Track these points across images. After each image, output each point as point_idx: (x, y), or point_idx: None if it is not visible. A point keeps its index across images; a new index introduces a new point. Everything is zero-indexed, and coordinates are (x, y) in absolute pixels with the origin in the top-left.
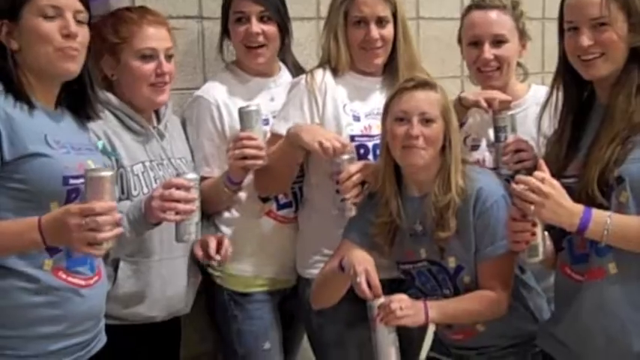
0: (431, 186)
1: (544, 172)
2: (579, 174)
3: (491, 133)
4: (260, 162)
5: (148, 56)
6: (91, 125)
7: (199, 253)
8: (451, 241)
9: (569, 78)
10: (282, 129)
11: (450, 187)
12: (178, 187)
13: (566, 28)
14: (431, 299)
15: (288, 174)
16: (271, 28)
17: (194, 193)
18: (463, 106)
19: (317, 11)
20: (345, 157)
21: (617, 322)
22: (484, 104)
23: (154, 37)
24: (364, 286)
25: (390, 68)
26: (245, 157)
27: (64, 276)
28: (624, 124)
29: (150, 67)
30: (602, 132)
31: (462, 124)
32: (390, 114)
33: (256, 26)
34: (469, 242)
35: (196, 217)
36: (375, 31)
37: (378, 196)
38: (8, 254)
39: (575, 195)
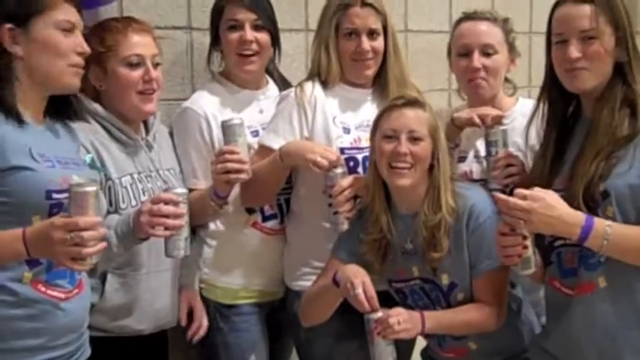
0: (420, 205)
1: (521, 190)
2: (565, 188)
3: (478, 144)
4: (243, 176)
5: (135, 63)
6: (80, 137)
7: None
8: (444, 259)
9: (555, 92)
10: (272, 142)
11: (440, 207)
12: (167, 202)
13: (555, 40)
14: None
15: (274, 186)
16: (264, 37)
17: (183, 208)
18: (456, 126)
19: (306, 23)
20: (338, 170)
21: (607, 336)
22: (477, 121)
23: (139, 44)
24: (362, 297)
25: (379, 80)
26: (228, 172)
27: (43, 289)
28: (608, 138)
29: (137, 73)
30: (586, 146)
31: (456, 145)
32: (378, 131)
33: (250, 34)
34: (463, 259)
35: (185, 232)
36: (366, 43)
37: (367, 212)
38: None
39: None
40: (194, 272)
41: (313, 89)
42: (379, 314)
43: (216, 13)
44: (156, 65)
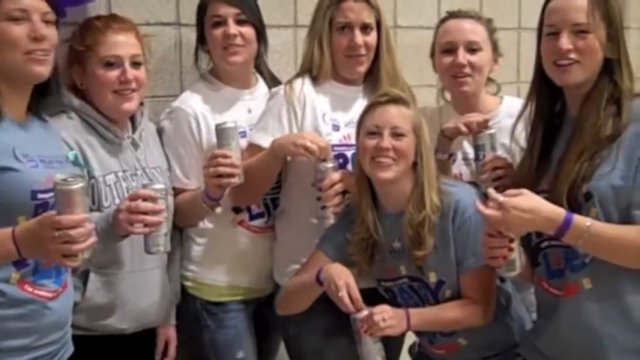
0: (406, 203)
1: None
2: (550, 188)
3: (466, 146)
4: (235, 180)
5: (112, 64)
6: (63, 134)
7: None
8: (430, 256)
9: (543, 87)
10: (262, 140)
11: (424, 205)
12: (145, 199)
13: (546, 32)
14: None
15: (266, 184)
16: (249, 30)
17: (161, 204)
18: (446, 137)
19: (294, 19)
20: (329, 165)
21: (594, 336)
22: (464, 129)
23: (118, 44)
24: (346, 300)
25: (371, 77)
26: (220, 175)
27: (30, 289)
28: (592, 137)
29: (113, 74)
30: (571, 145)
31: (450, 155)
32: (362, 128)
33: (234, 28)
34: (450, 256)
35: (165, 227)
36: (359, 37)
37: (354, 212)
38: None
39: None
40: (174, 304)
41: (302, 86)
42: (364, 312)
43: (201, 11)
44: (136, 64)
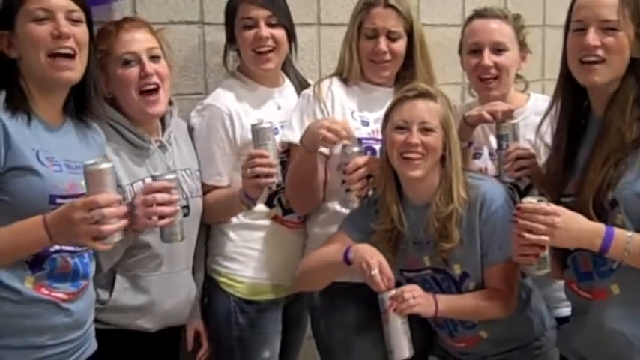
0: (432, 196)
1: (541, 204)
2: (576, 193)
3: (492, 141)
4: (272, 180)
5: (130, 61)
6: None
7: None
8: (456, 249)
9: (568, 86)
10: (299, 138)
11: (452, 198)
12: (159, 191)
13: (573, 28)
14: None
15: (313, 183)
16: (280, 32)
17: (175, 194)
18: (468, 124)
19: (317, 17)
20: (355, 149)
21: (622, 338)
22: (488, 117)
23: (131, 41)
24: (379, 278)
25: (405, 81)
26: (258, 176)
27: (46, 291)
28: (617, 143)
29: (133, 70)
30: (596, 149)
31: (470, 144)
32: (390, 122)
33: (265, 30)
34: (475, 249)
35: (180, 216)
36: (383, 44)
37: (379, 203)
38: (16, 255)
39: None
40: (198, 303)
41: (330, 85)
42: (394, 291)
43: (231, 12)
44: (155, 58)
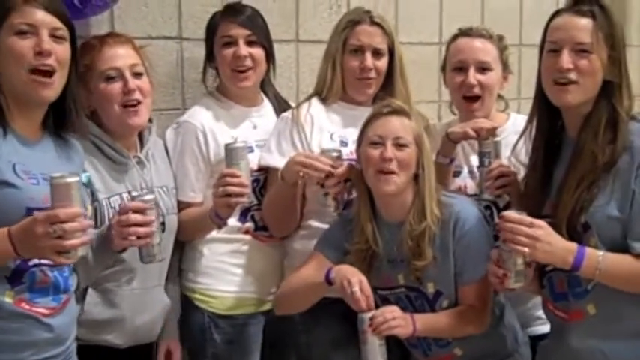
0: (406, 215)
1: (525, 216)
2: (552, 215)
3: (472, 160)
4: (244, 199)
5: (113, 77)
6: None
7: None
8: (429, 267)
9: (543, 105)
10: (278, 163)
11: (425, 216)
12: (135, 211)
13: (548, 49)
14: None
15: (291, 213)
16: (258, 52)
17: (151, 215)
18: (452, 140)
19: (296, 34)
20: (334, 154)
21: (601, 354)
22: (472, 134)
23: (115, 56)
24: (359, 295)
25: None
26: (229, 195)
27: (27, 306)
28: (590, 165)
29: (116, 86)
30: (570, 172)
31: (451, 160)
32: (365, 138)
33: (244, 49)
34: (449, 267)
35: (157, 237)
36: (369, 61)
37: (354, 222)
38: None
39: None
40: (174, 321)
41: (309, 109)
42: (374, 312)
43: (211, 30)
44: (138, 74)
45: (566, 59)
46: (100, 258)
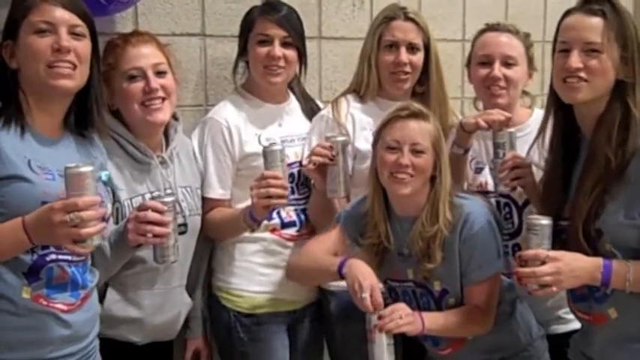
0: (419, 211)
1: (539, 251)
2: (569, 217)
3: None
4: (284, 201)
5: (135, 76)
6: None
7: None
8: (437, 267)
9: (558, 102)
10: None
11: (437, 219)
12: (153, 210)
13: (559, 48)
14: None
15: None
16: (292, 54)
17: (169, 216)
18: (465, 131)
19: (319, 31)
20: (339, 139)
21: (628, 352)
22: (484, 124)
23: (138, 56)
24: (368, 302)
25: (421, 97)
26: (270, 196)
27: (44, 302)
28: (604, 168)
29: (138, 85)
30: (585, 174)
31: (466, 150)
32: (381, 140)
33: (278, 50)
34: (454, 267)
35: (172, 239)
36: (404, 55)
37: (368, 217)
38: None
39: (570, 237)
40: (199, 320)
41: (349, 107)
42: (382, 311)
43: (247, 26)
44: (161, 73)
45: (575, 60)
46: (117, 253)
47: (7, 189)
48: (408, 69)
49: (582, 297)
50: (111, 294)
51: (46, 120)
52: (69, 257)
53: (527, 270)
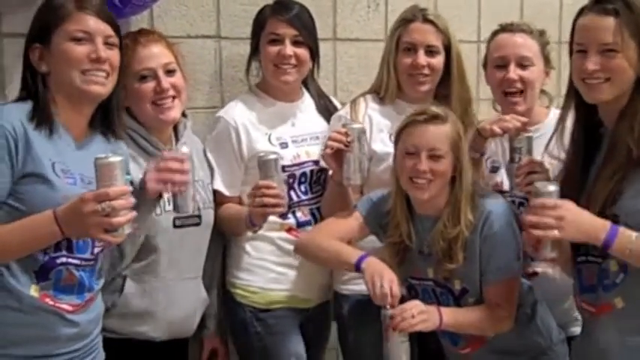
0: (440, 211)
1: (548, 200)
2: (586, 206)
3: None
4: (279, 209)
5: (146, 76)
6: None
7: None
8: (458, 268)
9: (577, 100)
10: None
11: (459, 220)
12: (172, 160)
13: (575, 49)
14: None
15: (349, 203)
16: (303, 52)
17: (187, 166)
18: (482, 136)
19: (333, 32)
20: (355, 126)
21: (634, 348)
22: (499, 131)
23: (148, 56)
24: (387, 291)
25: (443, 100)
26: (264, 205)
27: (50, 302)
28: (625, 158)
29: (148, 86)
30: (605, 164)
31: (482, 154)
32: (400, 144)
33: (289, 49)
34: (475, 266)
35: (191, 189)
36: (422, 58)
37: (390, 216)
38: (26, 249)
39: None
40: (216, 319)
41: (366, 109)
42: (393, 310)
43: (258, 25)
44: (171, 72)
45: (591, 62)
46: (139, 216)
47: (29, 187)
48: (426, 71)
49: (591, 287)
50: (129, 287)
51: (75, 122)
52: (78, 261)
53: (534, 218)
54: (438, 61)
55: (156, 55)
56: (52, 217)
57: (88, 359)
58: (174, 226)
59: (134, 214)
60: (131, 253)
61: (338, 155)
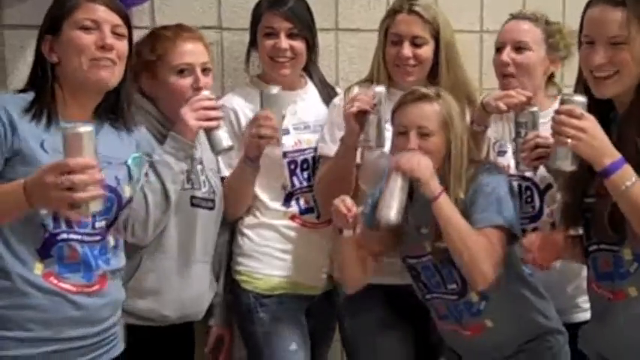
0: None
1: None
2: (596, 195)
3: None
4: (273, 142)
5: (184, 71)
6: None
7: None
8: None
9: (588, 89)
10: (332, 151)
11: (449, 196)
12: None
13: (584, 41)
14: (436, 295)
15: (349, 181)
16: (299, 45)
17: (217, 103)
18: (486, 111)
19: (335, 22)
20: (379, 89)
21: None
22: (503, 107)
23: (189, 52)
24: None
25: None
26: (260, 136)
27: (55, 281)
28: (632, 154)
29: (187, 81)
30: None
31: (485, 127)
32: (394, 127)
33: (284, 42)
34: None
35: (223, 126)
36: (407, 49)
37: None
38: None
39: (595, 214)
40: (223, 307)
41: None
42: (401, 153)
43: (255, 18)
44: (205, 71)
45: (599, 56)
46: (179, 155)
47: (20, 168)
48: (412, 62)
49: (608, 275)
50: (144, 265)
51: (78, 111)
52: (79, 236)
53: (557, 116)
54: (425, 51)
55: (195, 52)
56: (21, 186)
57: (102, 351)
58: (192, 204)
59: (101, 192)
60: (174, 193)
61: (359, 116)
